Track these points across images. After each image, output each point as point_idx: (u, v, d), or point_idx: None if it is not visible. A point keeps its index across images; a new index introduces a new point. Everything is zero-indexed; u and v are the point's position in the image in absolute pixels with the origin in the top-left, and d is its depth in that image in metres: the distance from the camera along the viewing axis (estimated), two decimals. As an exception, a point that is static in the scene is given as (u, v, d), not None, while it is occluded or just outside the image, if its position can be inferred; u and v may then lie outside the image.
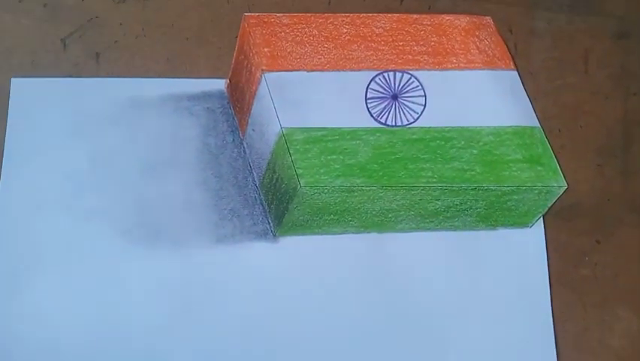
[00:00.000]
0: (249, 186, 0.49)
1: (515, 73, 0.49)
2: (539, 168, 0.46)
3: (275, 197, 0.47)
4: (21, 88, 0.50)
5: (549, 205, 0.47)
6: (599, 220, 0.48)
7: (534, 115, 0.48)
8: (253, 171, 0.49)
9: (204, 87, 0.51)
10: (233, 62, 0.52)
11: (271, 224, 0.48)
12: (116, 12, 0.53)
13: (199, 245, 0.47)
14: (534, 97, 0.48)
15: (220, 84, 0.52)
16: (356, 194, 0.45)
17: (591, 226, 0.48)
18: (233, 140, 0.50)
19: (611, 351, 0.45)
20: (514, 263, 0.47)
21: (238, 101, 0.51)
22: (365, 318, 0.46)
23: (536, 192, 0.46)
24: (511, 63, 0.50)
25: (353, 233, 0.48)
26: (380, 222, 0.47)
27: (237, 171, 0.49)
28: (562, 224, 0.47)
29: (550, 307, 0.45)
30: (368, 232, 0.48)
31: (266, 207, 0.48)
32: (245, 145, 0.50)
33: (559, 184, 0.46)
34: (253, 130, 0.50)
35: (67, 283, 0.45)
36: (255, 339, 0.45)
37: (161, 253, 0.46)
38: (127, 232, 0.46)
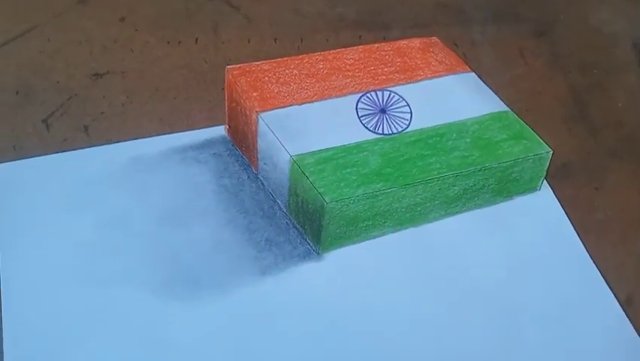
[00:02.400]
0: (277, 214, 0.50)
1: (474, 74, 0.56)
2: (525, 141, 0.52)
3: (306, 218, 0.49)
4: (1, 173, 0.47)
5: (545, 169, 0.53)
6: (589, 171, 0.54)
7: (502, 102, 0.55)
8: (277, 199, 0.51)
9: (205, 136, 0.52)
10: (226, 109, 0.54)
11: (311, 244, 0.49)
12: (95, 87, 0.53)
13: (243, 282, 0.46)
14: (495, 89, 0.55)
15: (219, 131, 0.54)
16: (380, 198, 0.48)
17: (586, 177, 0.54)
18: (248, 176, 0.51)
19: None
20: (539, 223, 0.51)
21: (242, 141, 0.53)
22: (430, 308, 0.46)
23: (530, 161, 0.52)
24: (468, 67, 0.57)
25: (391, 233, 0.50)
26: (412, 217, 0.50)
27: (261, 202, 0.50)
28: (562, 182, 0.53)
29: (587, 252, 0.50)
30: (405, 228, 0.50)
31: (300, 229, 0.50)
32: (261, 178, 0.52)
33: (545, 150, 0.52)
34: (265, 164, 0.51)
35: (109, 357, 0.41)
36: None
37: (205, 301, 0.44)
38: (162, 287, 0.44)
